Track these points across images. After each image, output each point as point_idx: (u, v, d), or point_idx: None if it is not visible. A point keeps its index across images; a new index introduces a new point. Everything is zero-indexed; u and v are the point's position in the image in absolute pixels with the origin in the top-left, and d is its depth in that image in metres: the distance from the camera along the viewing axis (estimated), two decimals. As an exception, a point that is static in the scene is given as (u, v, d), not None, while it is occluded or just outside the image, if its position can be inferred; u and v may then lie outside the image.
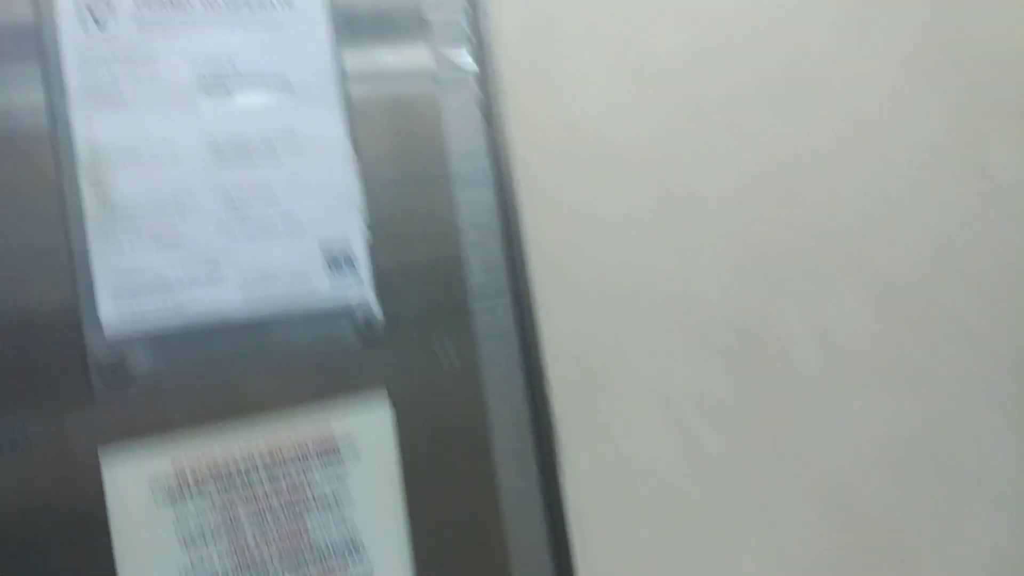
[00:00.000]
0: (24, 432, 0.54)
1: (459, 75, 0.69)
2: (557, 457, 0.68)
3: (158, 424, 0.57)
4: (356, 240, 0.63)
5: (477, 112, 0.70)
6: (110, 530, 0.55)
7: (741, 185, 0.83)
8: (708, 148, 0.82)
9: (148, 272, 0.57)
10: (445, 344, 0.66)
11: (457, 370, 0.66)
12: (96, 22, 0.58)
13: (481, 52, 0.70)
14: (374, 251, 0.64)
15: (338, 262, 0.62)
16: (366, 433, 0.62)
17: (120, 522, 0.55)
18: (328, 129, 0.62)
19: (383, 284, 0.64)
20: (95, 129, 0.56)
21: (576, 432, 0.70)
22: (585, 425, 0.71)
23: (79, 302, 0.56)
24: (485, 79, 0.70)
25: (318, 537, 0.60)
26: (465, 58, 0.70)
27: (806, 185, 0.88)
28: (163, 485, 0.57)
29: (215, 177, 0.59)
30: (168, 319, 0.58)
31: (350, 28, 0.65)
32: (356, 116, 0.64)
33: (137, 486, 0.56)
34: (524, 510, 0.66)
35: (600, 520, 0.72)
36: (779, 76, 0.87)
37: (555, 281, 0.73)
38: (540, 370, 0.68)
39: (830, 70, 0.91)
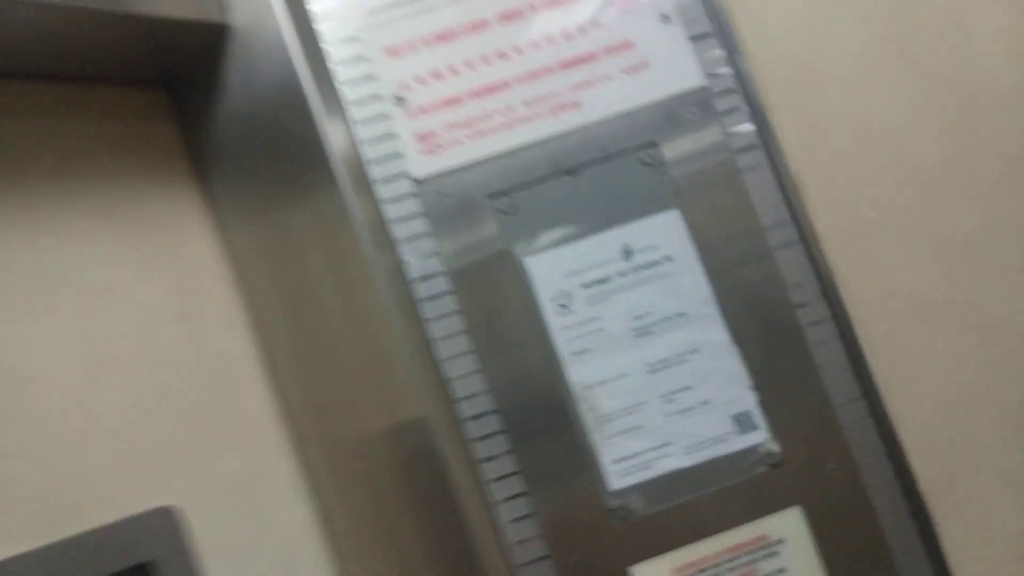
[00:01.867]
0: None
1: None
2: (937, 537, 0.91)
3: (659, 544, 0.92)
4: (750, 403, 0.93)
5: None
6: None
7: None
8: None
9: (628, 451, 0.93)
10: (827, 457, 0.93)
11: (841, 477, 0.92)
12: (564, 307, 0.95)
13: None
14: (763, 405, 0.94)
15: (742, 422, 0.93)
16: (790, 533, 0.91)
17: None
18: (717, 335, 0.94)
19: (774, 424, 0.93)
20: (582, 374, 0.94)
21: (948, 516, 0.92)
22: (951, 511, 0.93)
23: (598, 473, 0.93)
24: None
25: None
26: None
27: None
28: (668, 583, 0.91)
29: (654, 385, 0.93)
30: (645, 476, 0.93)
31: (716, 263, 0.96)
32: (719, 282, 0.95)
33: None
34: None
35: None
36: None
37: (898, 381, 0.96)
38: (907, 468, 0.92)
39: None
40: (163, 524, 0.92)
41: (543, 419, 0.95)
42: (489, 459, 0.93)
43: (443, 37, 0.99)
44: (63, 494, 0.89)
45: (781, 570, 0.91)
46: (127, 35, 1.02)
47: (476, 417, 0.94)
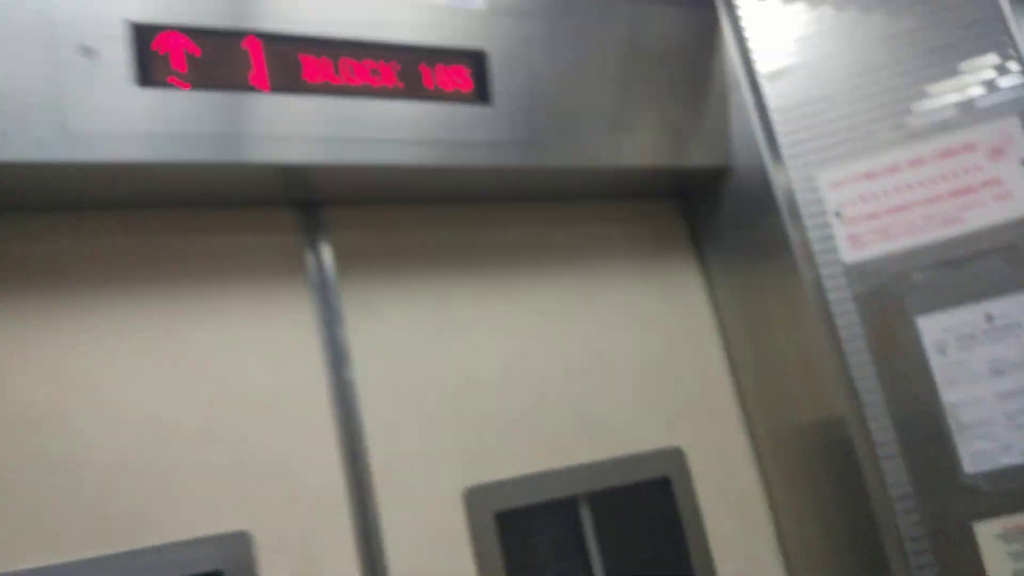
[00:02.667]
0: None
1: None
2: None
3: (995, 511, 1.41)
4: (1078, 426, 1.39)
5: None
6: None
7: None
8: None
9: (979, 449, 1.43)
10: None
11: None
12: (941, 352, 1.49)
13: None
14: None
15: (1070, 437, 1.39)
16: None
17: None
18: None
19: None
20: (951, 396, 1.46)
21: None
22: None
23: (957, 461, 1.45)
24: None
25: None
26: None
27: None
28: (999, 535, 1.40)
29: (1002, 407, 1.43)
30: (991, 466, 1.42)
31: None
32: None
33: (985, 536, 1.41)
34: None
35: None
36: None
37: None
38: None
39: None
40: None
41: (922, 424, 1.49)
42: (883, 446, 1.50)
43: (869, 176, 1.58)
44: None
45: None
46: (659, 176, 1.76)
47: (876, 419, 1.51)
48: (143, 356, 1.32)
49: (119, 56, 1.18)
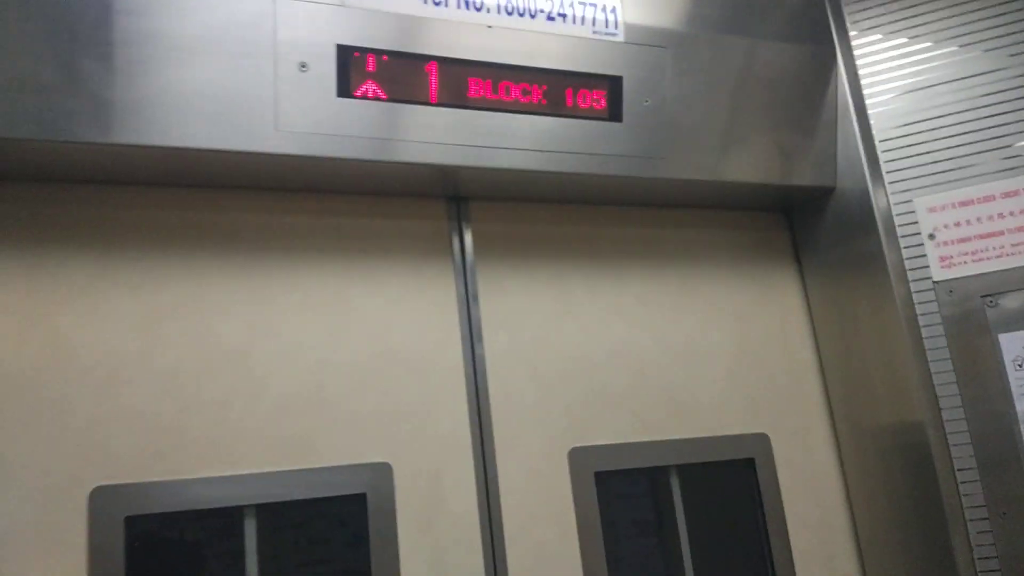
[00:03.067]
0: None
1: None
2: None
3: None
4: None
5: None
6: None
7: None
8: None
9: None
10: None
11: None
12: (1020, 366, 1.61)
13: None
14: None
15: None
16: None
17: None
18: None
19: None
20: (1025, 407, 1.59)
21: None
22: None
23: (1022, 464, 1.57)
24: None
25: None
26: None
27: None
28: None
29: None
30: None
31: None
32: None
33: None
34: None
35: None
36: None
37: None
38: None
39: None
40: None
41: (997, 430, 1.62)
42: (958, 448, 1.63)
43: (964, 203, 1.72)
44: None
45: None
46: (767, 191, 1.94)
47: (953, 424, 1.65)
48: (316, 313, 1.62)
49: (326, 71, 1.49)
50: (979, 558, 1.59)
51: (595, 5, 1.69)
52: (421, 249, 1.73)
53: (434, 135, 1.56)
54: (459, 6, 1.59)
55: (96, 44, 1.37)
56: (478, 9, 1.60)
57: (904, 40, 1.83)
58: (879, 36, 1.85)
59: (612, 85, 1.68)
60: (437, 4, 1.58)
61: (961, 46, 1.79)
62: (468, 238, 1.77)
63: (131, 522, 1.41)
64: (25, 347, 1.43)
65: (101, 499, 1.40)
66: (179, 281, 1.55)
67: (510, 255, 1.80)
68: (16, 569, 1.34)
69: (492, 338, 1.73)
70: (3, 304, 1.43)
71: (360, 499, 1.55)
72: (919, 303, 1.71)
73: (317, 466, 1.54)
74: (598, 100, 1.66)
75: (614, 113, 1.69)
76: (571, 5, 1.67)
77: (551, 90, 1.63)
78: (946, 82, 1.78)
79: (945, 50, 1.80)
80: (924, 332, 1.70)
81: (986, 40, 1.77)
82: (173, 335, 1.52)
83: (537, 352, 1.75)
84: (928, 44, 1.81)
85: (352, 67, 1.50)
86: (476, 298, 1.74)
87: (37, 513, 1.37)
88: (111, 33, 1.38)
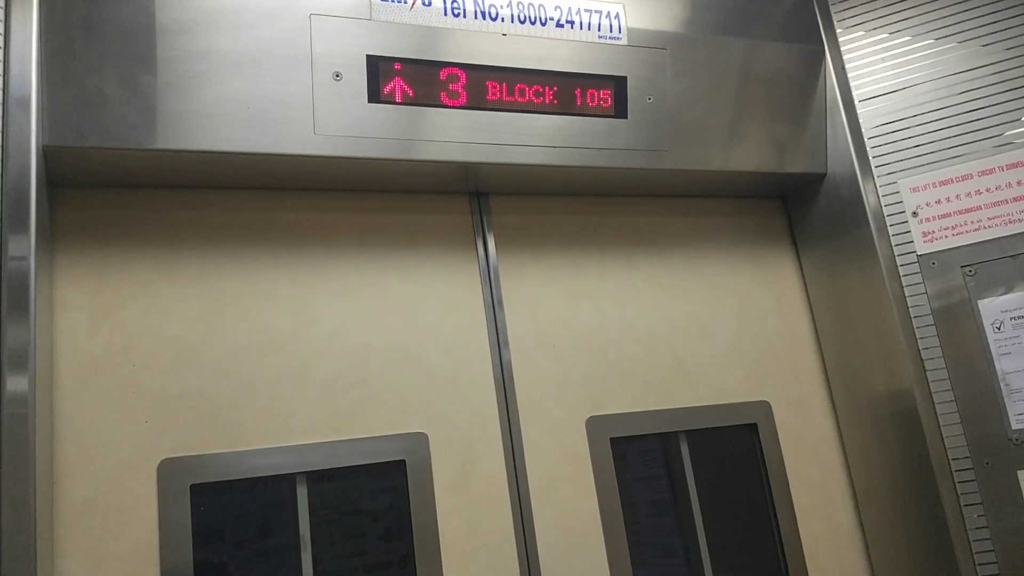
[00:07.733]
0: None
1: None
2: None
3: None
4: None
5: None
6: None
7: None
8: None
9: (1028, 413, 1.70)
10: None
11: None
12: (997, 329, 1.76)
13: None
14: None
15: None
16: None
17: None
18: (1092, 356, 1.67)
19: None
20: (1004, 365, 1.74)
21: None
22: None
23: (1007, 419, 1.72)
24: None
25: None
26: None
27: None
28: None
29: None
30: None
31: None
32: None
33: None
34: None
35: None
36: None
37: None
38: None
39: None
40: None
41: (979, 387, 1.77)
42: (944, 405, 1.78)
43: (943, 183, 1.87)
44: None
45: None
46: (764, 179, 2.09)
47: (938, 384, 1.80)
48: (355, 300, 1.78)
49: (358, 78, 1.66)
50: (965, 505, 1.74)
51: (600, 12, 1.85)
52: (447, 241, 1.89)
53: (456, 135, 1.72)
54: (476, 16, 1.76)
55: (153, 61, 1.53)
56: (493, 19, 1.77)
57: (886, 36, 1.99)
58: (863, 33, 2.01)
59: (617, 85, 1.84)
60: (456, 15, 1.74)
61: (937, 39, 1.94)
62: (490, 229, 1.93)
63: (196, 490, 1.55)
64: (96, 337, 1.58)
65: (168, 470, 1.55)
66: (231, 274, 1.71)
67: (529, 243, 1.96)
68: (96, 534, 1.49)
69: (515, 319, 1.89)
70: (76, 300, 1.58)
71: (400, 465, 1.70)
72: (905, 275, 1.87)
73: (360, 436, 1.70)
74: (605, 99, 1.82)
75: (620, 111, 1.84)
76: (578, 12, 1.83)
77: (562, 91, 1.79)
78: (926, 72, 1.93)
79: (923, 43, 1.95)
80: (910, 302, 1.85)
81: (960, 34, 1.93)
82: (228, 323, 1.68)
83: (556, 330, 1.91)
84: (908, 39, 1.97)
85: (381, 75, 1.67)
86: (499, 283, 1.90)
87: (112, 484, 1.52)
88: (167, 51, 1.54)
